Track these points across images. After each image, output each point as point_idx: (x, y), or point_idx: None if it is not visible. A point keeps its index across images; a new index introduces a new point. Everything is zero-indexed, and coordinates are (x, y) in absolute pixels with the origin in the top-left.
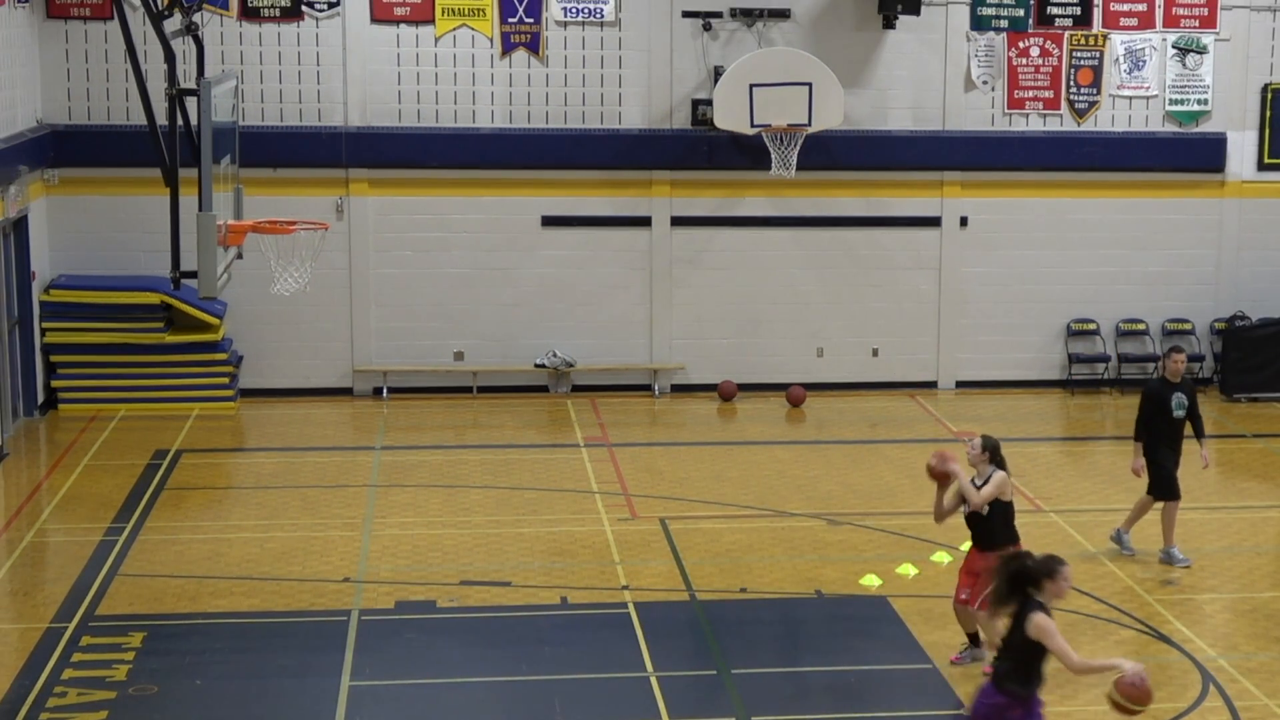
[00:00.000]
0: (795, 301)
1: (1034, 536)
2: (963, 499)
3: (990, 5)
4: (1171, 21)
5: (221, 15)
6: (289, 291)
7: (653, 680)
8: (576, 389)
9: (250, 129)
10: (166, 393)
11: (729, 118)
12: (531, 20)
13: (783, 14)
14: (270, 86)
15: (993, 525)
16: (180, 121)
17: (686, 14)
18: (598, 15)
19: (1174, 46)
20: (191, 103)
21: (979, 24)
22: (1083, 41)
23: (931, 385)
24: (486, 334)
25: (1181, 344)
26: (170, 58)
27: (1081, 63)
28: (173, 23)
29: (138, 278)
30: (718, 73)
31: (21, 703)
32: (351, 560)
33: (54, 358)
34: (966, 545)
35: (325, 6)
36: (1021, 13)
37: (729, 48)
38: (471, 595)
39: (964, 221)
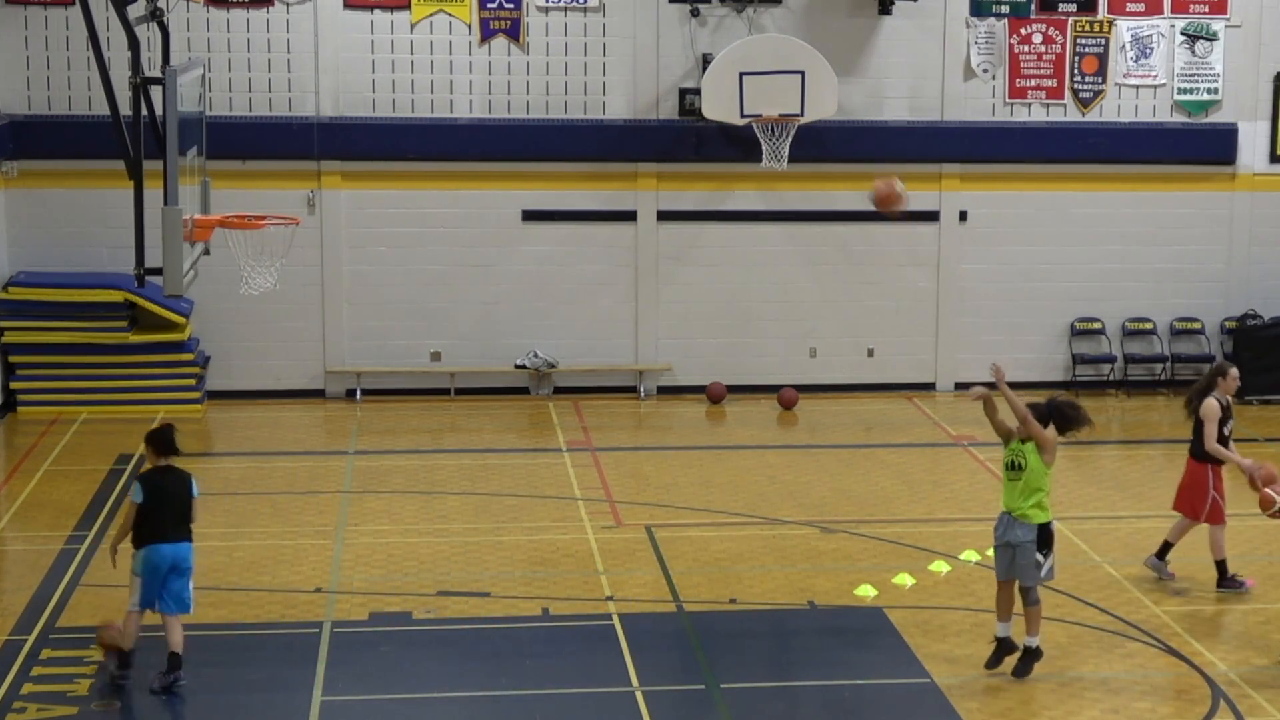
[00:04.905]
0: (787, 300)
1: None
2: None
3: None
4: (1180, 7)
5: (188, 0)
6: (259, 290)
7: (638, 695)
8: (559, 391)
9: (218, 119)
10: (130, 395)
11: (718, 108)
12: (512, 6)
13: None
14: (239, 75)
15: None
16: (145, 112)
17: None
18: (581, 0)
19: (1182, 33)
20: (156, 92)
21: (979, 9)
22: (1087, 28)
23: (929, 387)
24: (464, 334)
25: (1190, 345)
26: (134, 45)
27: (1086, 50)
28: (137, 8)
29: (100, 274)
30: (706, 61)
31: None
32: (323, 570)
33: (12, 358)
34: (966, 555)
35: None
36: None
37: (718, 34)
38: (449, 606)
39: (963, 216)
